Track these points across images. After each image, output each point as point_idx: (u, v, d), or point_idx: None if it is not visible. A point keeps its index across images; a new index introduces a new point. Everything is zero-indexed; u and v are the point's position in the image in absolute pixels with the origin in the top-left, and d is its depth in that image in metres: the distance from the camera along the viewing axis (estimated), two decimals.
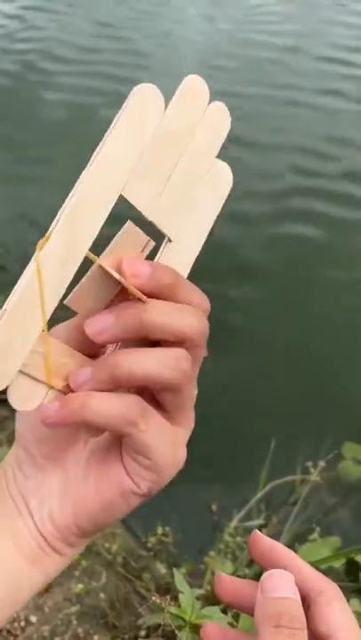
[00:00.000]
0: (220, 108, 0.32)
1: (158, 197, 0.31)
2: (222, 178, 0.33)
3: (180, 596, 0.75)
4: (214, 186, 0.33)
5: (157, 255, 0.31)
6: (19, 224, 2.31)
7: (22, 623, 1.13)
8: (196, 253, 0.32)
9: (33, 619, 1.14)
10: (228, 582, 0.31)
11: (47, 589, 1.20)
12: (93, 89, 3.17)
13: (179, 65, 3.43)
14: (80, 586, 1.13)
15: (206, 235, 0.32)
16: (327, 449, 1.29)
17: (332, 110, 3.06)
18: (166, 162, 0.31)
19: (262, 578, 0.28)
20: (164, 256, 0.31)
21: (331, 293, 2.04)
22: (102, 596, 1.14)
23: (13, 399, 0.27)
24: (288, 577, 0.28)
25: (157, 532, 1.23)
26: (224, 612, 0.93)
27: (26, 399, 0.27)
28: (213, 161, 0.32)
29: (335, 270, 2.12)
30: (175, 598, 0.77)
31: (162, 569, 1.16)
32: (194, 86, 0.31)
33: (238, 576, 1.05)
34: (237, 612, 0.95)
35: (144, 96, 0.29)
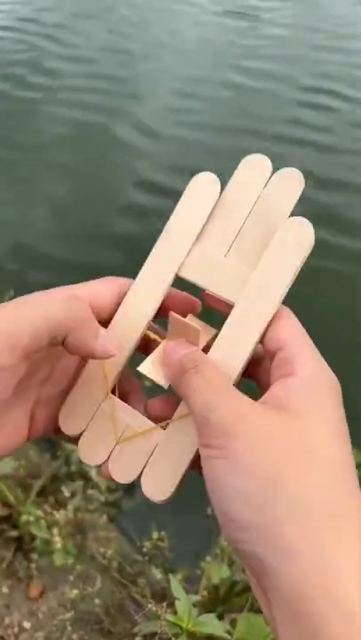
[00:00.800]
0: (290, 172, 0.32)
1: (219, 264, 0.32)
2: (295, 237, 0.30)
3: (177, 602, 0.74)
4: (286, 245, 0.30)
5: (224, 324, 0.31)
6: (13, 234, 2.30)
7: (16, 629, 1.12)
8: (267, 318, 0.30)
9: (27, 625, 1.13)
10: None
11: (41, 594, 1.19)
12: (85, 104, 3.07)
13: (168, 80, 3.35)
14: (75, 591, 1.11)
15: (280, 295, 0.30)
16: None
17: (320, 147, 2.83)
18: (228, 228, 0.32)
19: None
20: (228, 323, 0.31)
21: (332, 307, 2.04)
22: (97, 601, 1.13)
23: (83, 454, 0.32)
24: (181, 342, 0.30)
25: (153, 537, 1.22)
26: (220, 618, 0.93)
27: (94, 454, 0.32)
28: (286, 220, 0.30)
29: (334, 294, 2.10)
30: (171, 605, 0.76)
31: (157, 574, 1.15)
32: (253, 162, 0.33)
33: (235, 581, 1.04)
34: (234, 618, 0.94)
35: (201, 183, 0.33)
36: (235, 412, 0.25)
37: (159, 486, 0.30)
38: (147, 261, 0.33)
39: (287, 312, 0.30)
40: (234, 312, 0.30)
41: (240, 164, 0.33)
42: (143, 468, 0.31)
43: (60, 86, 3.28)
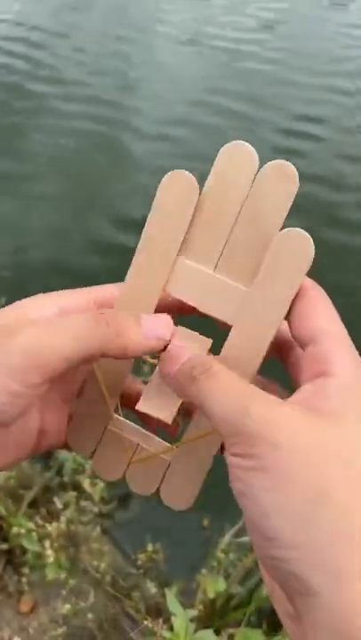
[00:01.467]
0: (281, 165, 0.27)
1: (209, 281, 0.29)
2: (292, 251, 0.27)
3: (173, 618, 0.72)
4: (282, 260, 0.27)
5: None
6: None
7: None
8: (268, 339, 0.27)
9: None
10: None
11: (32, 610, 1.16)
12: (71, 130, 2.99)
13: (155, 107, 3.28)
14: (67, 606, 1.09)
15: (279, 319, 0.27)
16: None
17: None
18: (215, 236, 0.29)
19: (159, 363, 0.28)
20: (227, 344, 0.28)
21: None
22: (90, 616, 1.10)
23: (98, 471, 0.32)
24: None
25: (147, 549, 1.20)
26: (217, 633, 0.90)
27: (109, 472, 0.32)
28: (281, 231, 0.27)
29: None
30: (167, 620, 0.74)
31: (152, 588, 1.12)
32: (235, 151, 0.28)
33: (231, 594, 1.02)
34: (231, 634, 0.92)
35: (175, 183, 0.29)
36: (271, 417, 0.23)
37: (178, 498, 0.31)
38: (128, 277, 0.29)
39: (318, 292, 0.26)
40: (231, 336, 0.28)
41: (220, 156, 0.28)
42: (161, 481, 0.31)
43: (38, 110, 3.22)
